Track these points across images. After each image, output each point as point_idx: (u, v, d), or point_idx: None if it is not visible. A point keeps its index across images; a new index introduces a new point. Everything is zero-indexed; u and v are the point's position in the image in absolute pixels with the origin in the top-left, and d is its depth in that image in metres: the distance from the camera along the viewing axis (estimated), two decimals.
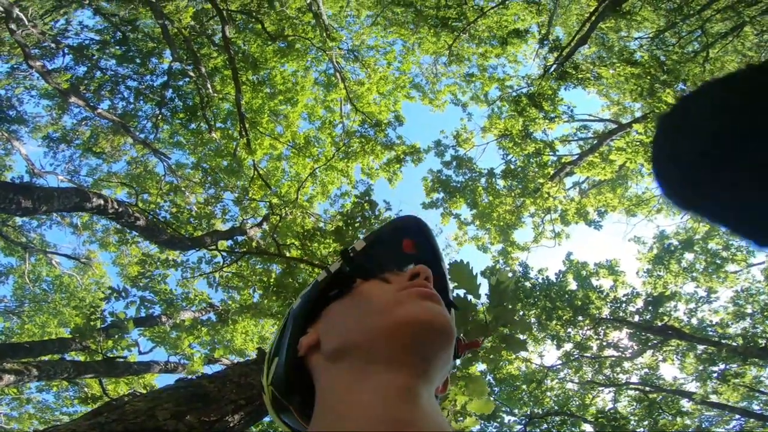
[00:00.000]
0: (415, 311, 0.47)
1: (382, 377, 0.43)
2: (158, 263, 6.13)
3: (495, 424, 7.78)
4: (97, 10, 7.84)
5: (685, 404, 8.85)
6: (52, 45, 7.90)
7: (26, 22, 7.07)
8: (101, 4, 7.76)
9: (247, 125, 7.69)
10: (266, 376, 0.56)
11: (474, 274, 1.81)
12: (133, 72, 8.09)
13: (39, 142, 8.76)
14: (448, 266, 0.69)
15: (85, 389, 7.47)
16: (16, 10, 6.44)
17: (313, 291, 0.60)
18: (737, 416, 8.73)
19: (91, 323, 4.93)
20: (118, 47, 7.93)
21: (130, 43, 7.98)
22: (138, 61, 7.95)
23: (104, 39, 8.10)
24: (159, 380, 7.99)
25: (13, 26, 6.42)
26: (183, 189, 8.37)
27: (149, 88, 8.17)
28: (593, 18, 6.96)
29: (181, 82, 8.18)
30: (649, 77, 6.76)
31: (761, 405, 9.07)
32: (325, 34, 8.39)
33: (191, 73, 7.73)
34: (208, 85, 7.76)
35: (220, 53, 8.05)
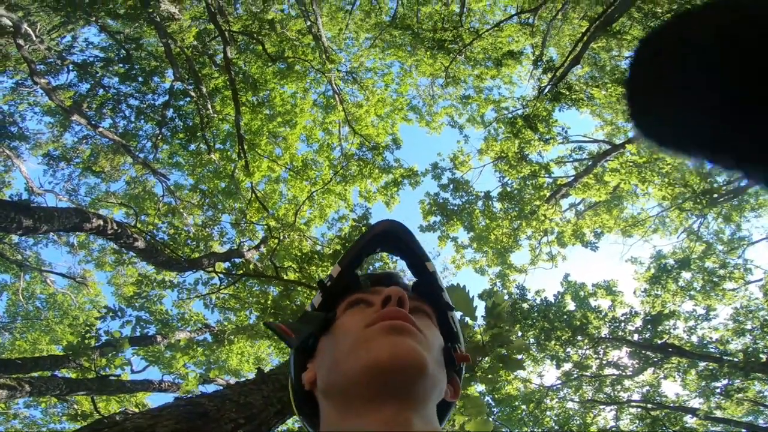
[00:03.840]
0: (378, 354, 0.46)
1: (366, 416, 0.45)
2: (155, 284, 6.11)
3: None
4: (102, 28, 7.97)
5: (689, 420, 8.75)
6: (58, 61, 8.00)
7: (34, 38, 7.18)
8: (107, 21, 7.91)
9: (245, 147, 7.75)
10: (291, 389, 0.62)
11: (470, 297, 1.83)
12: (135, 90, 8.19)
13: (39, 159, 8.80)
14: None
15: (75, 406, 7.34)
16: (25, 25, 6.54)
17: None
18: (743, 430, 8.63)
19: (86, 341, 4.88)
20: (121, 65, 8.04)
21: (134, 61, 8.10)
22: (140, 79, 8.05)
23: (108, 56, 8.21)
24: (152, 399, 7.86)
25: (20, 41, 6.51)
26: (181, 210, 8.38)
27: (150, 107, 8.26)
28: (585, 38, 7.15)
29: (182, 102, 8.27)
30: None
31: (766, 419, 8.97)
32: (324, 56, 8.55)
33: (192, 93, 7.83)
34: (209, 106, 7.85)
35: (221, 73, 8.19)
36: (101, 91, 8.30)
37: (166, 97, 8.21)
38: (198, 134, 7.80)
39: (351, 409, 0.46)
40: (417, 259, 0.67)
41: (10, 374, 5.25)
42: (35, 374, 5.78)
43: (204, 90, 7.83)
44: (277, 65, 8.47)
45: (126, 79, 7.99)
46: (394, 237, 0.68)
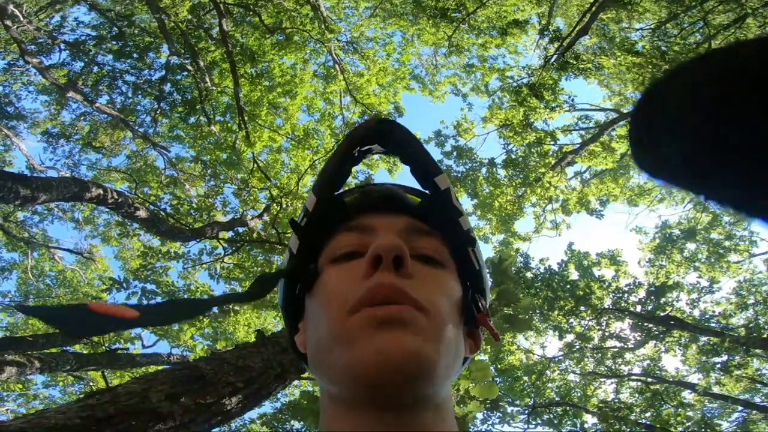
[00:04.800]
0: (360, 362, 0.35)
1: (362, 413, 0.37)
2: (160, 256, 6.15)
3: (498, 414, 7.80)
4: (92, 6, 7.81)
5: (687, 396, 8.84)
6: (48, 41, 7.89)
7: (21, 19, 7.06)
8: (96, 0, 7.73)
9: (246, 118, 7.67)
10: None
11: None
12: (131, 67, 8.07)
13: (38, 137, 8.79)
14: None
15: (91, 384, 7.54)
16: (11, 6, 6.43)
17: (283, 287, 0.51)
18: (740, 408, 8.70)
19: None
20: (114, 42, 7.90)
21: (127, 38, 7.95)
22: (135, 56, 7.92)
23: (100, 34, 8.07)
24: None
25: (8, 22, 6.41)
26: (183, 182, 8.38)
27: (147, 83, 8.16)
28: (594, 8, 6.90)
29: (179, 77, 8.16)
30: (650, 66, 6.71)
31: (763, 397, 9.03)
32: (323, 27, 8.34)
33: (189, 67, 7.70)
34: (207, 79, 7.74)
35: (218, 47, 8.02)
36: (96, 69, 8.18)
37: (163, 72, 8.09)
38: (197, 107, 7.72)
39: (344, 401, 0.39)
40: (422, 171, 0.50)
41: (23, 351, 5.33)
42: (47, 351, 5.88)
43: (201, 63, 7.69)
44: (275, 37, 8.27)
45: (120, 56, 7.86)
46: (384, 137, 0.50)
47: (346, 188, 0.55)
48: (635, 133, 0.26)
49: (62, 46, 7.87)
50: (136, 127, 8.30)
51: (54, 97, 8.60)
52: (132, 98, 8.22)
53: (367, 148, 0.51)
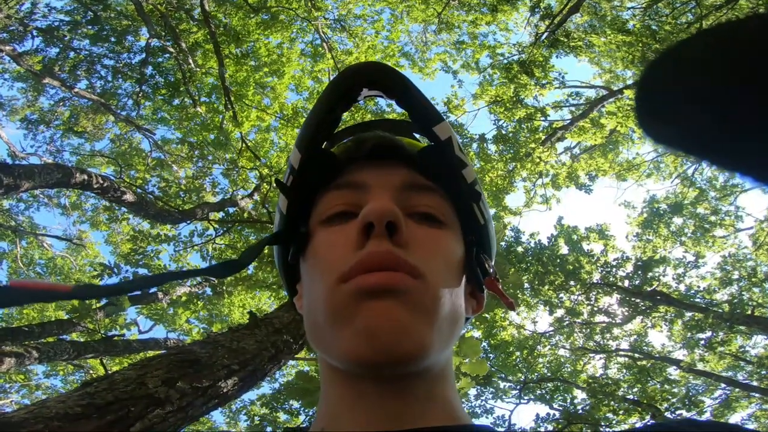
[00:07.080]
0: (352, 341, 0.34)
1: (358, 380, 0.37)
2: (150, 239, 6.09)
3: (491, 389, 7.99)
4: None
5: (673, 372, 9.02)
6: (20, 28, 7.62)
7: None
8: None
9: (232, 98, 7.53)
10: None
11: None
12: (109, 51, 7.85)
13: (17, 124, 8.58)
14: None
15: (91, 372, 7.56)
16: None
17: (278, 250, 0.48)
18: (723, 385, 8.87)
19: (86, 302, 4.91)
20: (90, 27, 7.64)
21: (103, 22, 7.70)
22: (113, 39, 7.69)
23: (75, 19, 7.79)
24: None
25: None
26: (170, 164, 8.27)
27: (127, 66, 7.95)
28: None
29: (160, 59, 7.95)
30: (640, 45, 6.68)
31: (746, 375, 9.22)
32: (310, 4, 8.14)
33: (171, 49, 7.50)
34: (190, 60, 7.55)
35: (200, 28, 7.80)
36: (72, 54, 7.94)
37: (143, 55, 7.89)
38: (181, 89, 7.55)
39: (341, 371, 0.38)
40: (421, 119, 0.46)
41: (20, 342, 5.27)
42: (44, 341, 5.83)
43: (183, 45, 7.49)
44: (259, 16, 8.06)
45: (97, 41, 7.62)
46: (376, 80, 0.45)
47: (339, 131, 0.51)
48: (641, 100, 0.25)
49: (34, 32, 7.60)
50: (119, 111, 8.12)
51: (30, 84, 8.36)
52: (112, 82, 8.02)
53: (355, 93, 0.45)
